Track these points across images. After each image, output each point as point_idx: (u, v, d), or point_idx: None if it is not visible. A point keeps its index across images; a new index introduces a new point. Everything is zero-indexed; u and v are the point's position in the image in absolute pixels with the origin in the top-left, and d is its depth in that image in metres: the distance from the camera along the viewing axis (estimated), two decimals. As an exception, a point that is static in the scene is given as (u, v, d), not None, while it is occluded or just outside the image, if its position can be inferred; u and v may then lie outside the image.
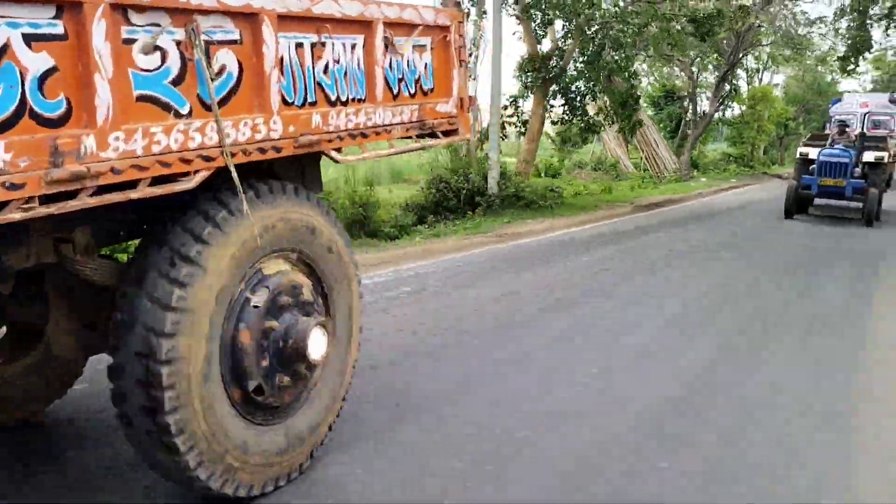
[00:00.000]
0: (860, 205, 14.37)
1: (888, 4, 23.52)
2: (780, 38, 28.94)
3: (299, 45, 2.89)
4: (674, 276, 8.53)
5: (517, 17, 15.77)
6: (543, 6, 14.74)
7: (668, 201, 18.20)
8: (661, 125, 34.32)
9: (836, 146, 14.82)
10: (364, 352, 3.99)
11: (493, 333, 5.88)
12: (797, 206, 14.97)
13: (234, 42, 2.62)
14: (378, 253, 10.05)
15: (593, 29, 15.37)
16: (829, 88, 39.76)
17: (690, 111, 31.40)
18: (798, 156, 16.12)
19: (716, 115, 32.47)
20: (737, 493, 3.43)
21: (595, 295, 7.35)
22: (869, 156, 15.07)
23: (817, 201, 15.41)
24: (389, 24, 3.32)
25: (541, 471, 3.53)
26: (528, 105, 16.80)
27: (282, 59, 2.79)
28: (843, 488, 3.51)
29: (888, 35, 27.12)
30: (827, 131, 16.95)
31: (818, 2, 25.78)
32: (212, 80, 2.49)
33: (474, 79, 14.56)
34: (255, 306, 2.83)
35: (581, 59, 16.25)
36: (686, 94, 35.59)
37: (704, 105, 34.70)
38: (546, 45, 16.76)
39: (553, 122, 18.18)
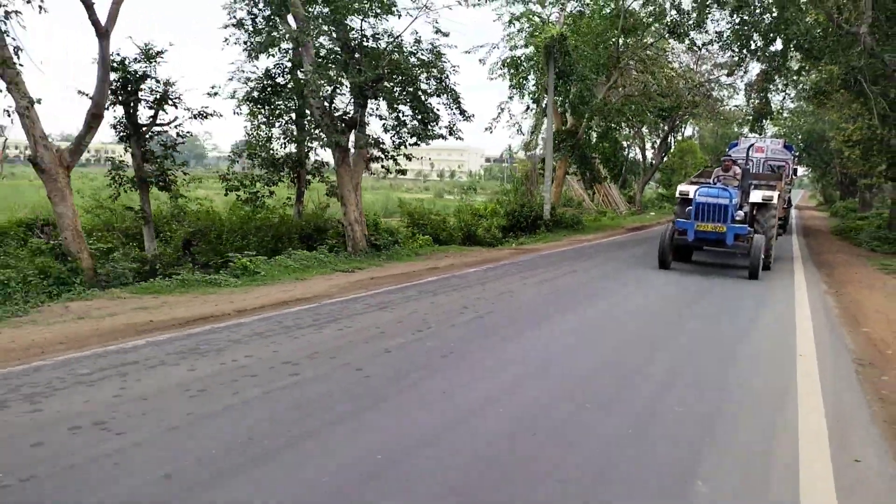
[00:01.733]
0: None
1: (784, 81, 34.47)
2: (702, 105, 41.19)
3: None
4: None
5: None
6: (574, 101, 25.49)
7: (642, 227, 29.36)
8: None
9: (717, 185, 14.01)
10: (557, 282, 13.84)
11: (603, 279, 15.94)
12: (677, 252, 14.67)
13: None
14: (499, 251, 19.74)
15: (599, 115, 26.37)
16: (737, 138, 53.25)
17: (640, 161, 43.39)
18: (678, 195, 15.17)
19: (651, 164, 44.80)
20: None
21: (639, 263, 17.60)
22: (756, 196, 14.29)
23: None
24: None
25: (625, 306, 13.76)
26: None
27: None
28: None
29: (783, 103, 40.07)
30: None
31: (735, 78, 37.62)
32: None
33: (536, 145, 25.19)
34: None
35: (588, 132, 27.25)
36: (626, 144, 48.12)
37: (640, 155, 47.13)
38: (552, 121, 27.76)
39: (572, 174, 29.12)
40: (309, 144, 18.75)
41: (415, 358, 6.46)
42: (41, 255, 12.01)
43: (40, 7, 11.12)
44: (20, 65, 11.28)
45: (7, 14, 11.09)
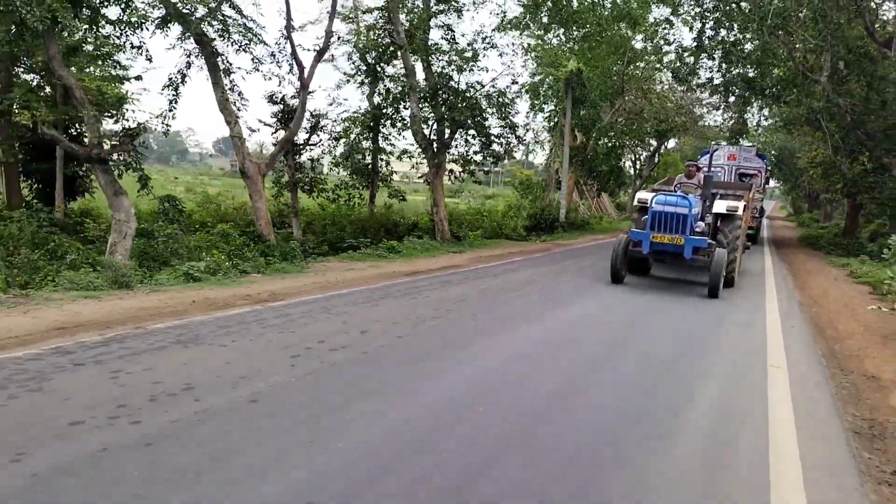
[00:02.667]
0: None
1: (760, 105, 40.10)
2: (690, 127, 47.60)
3: None
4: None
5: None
6: (586, 123, 31.51)
7: (637, 230, 35.45)
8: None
9: (676, 192, 13.25)
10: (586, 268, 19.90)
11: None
12: (632, 266, 14.16)
13: None
14: (538, 245, 25.65)
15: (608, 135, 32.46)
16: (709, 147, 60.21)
17: (631, 171, 49.63)
18: (636, 203, 14.47)
19: (640, 174, 50.88)
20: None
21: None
22: (720, 206, 13.84)
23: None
24: None
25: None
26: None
27: None
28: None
29: (758, 125, 46.51)
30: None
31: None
32: None
33: (559, 161, 31.11)
34: None
35: (595, 148, 33.29)
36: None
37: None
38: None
39: (582, 183, 35.11)
40: (382, 157, 24.46)
41: (564, 290, 12.25)
42: (231, 238, 17.44)
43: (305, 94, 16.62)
44: (244, 102, 16.80)
45: (229, 71, 16.55)
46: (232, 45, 14.38)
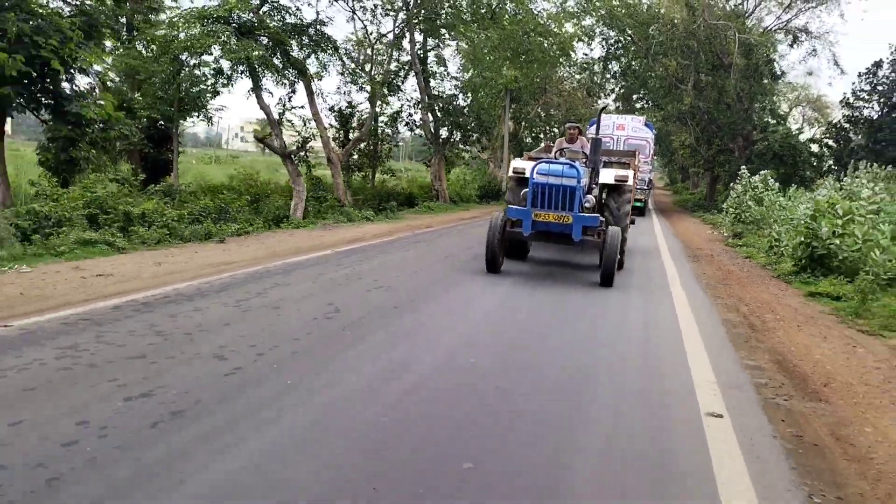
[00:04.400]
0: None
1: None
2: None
3: None
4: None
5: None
6: (519, 116, 42.50)
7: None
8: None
9: (562, 160, 11.25)
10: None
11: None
12: (510, 249, 12.45)
13: None
14: (479, 210, 36.53)
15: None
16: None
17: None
18: (510, 173, 12.79)
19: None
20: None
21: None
22: (608, 175, 12.49)
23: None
24: None
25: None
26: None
27: None
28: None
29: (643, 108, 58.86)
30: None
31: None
32: None
33: (500, 145, 42.06)
34: None
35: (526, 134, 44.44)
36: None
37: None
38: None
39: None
40: (382, 144, 34.68)
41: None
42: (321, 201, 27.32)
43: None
44: (335, 116, 26.65)
45: (321, 92, 26.39)
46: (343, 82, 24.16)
